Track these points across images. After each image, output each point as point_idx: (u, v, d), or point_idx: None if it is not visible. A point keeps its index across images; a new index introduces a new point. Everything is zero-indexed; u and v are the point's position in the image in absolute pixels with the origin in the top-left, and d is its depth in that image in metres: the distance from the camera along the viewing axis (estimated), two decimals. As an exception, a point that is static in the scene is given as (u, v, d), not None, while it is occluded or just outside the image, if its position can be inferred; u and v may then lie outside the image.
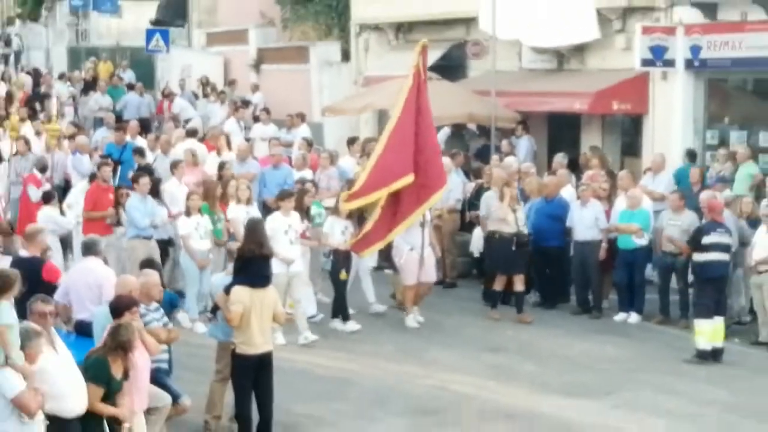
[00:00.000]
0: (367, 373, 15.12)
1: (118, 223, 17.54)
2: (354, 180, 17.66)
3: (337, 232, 16.85)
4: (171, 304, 12.97)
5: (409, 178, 16.07)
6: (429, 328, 17.30)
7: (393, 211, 16.50)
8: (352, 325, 16.56)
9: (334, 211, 17.29)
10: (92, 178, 18.61)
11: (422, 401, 13.77)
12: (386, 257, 18.28)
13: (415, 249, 17.00)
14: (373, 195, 16.40)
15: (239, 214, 16.69)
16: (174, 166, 19.20)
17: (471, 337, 16.91)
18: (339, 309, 16.79)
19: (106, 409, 9.46)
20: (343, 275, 16.79)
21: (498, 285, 17.67)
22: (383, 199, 16.27)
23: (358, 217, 17.16)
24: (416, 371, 15.13)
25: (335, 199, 17.92)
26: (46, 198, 17.90)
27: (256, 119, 27.86)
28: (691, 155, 20.48)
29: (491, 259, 18.29)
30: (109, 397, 9.39)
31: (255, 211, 17.32)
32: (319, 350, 15.73)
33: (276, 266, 14.21)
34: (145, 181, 17.27)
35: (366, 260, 17.67)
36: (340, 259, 16.85)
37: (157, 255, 16.02)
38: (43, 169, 20.40)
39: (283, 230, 15.85)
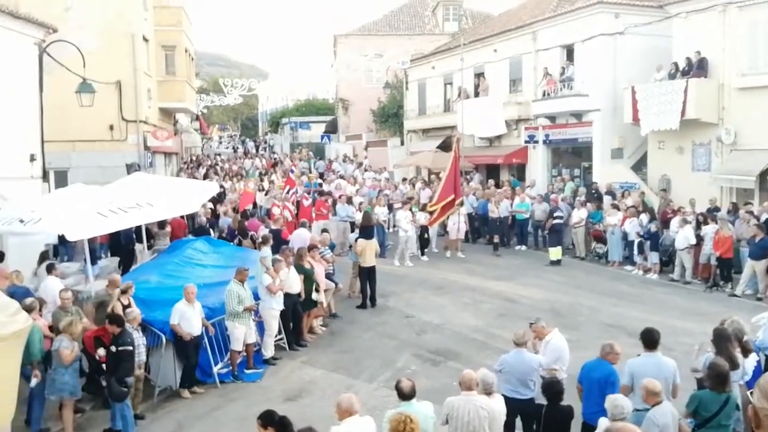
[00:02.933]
0: (414, 272, 19.28)
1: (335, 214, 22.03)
2: (432, 197, 21.93)
3: (422, 218, 21.22)
4: (332, 246, 16.62)
5: (452, 196, 20.54)
6: (441, 257, 21.42)
7: (445, 208, 20.62)
8: (425, 257, 21.16)
9: (423, 208, 21.94)
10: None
11: (437, 284, 17.85)
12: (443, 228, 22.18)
13: (455, 224, 21.34)
14: (439, 204, 20.57)
15: (379, 210, 21.68)
16: (338, 189, 25.02)
17: (461, 260, 20.94)
18: (424, 251, 21.41)
19: (321, 279, 13.72)
20: (425, 236, 21.61)
21: (495, 239, 22.00)
22: (441, 205, 20.52)
23: (430, 212, 21.01)
24: (435, 272, 19.29)
25: (401, 203, 22.94)
26: (313, 204, 22.01)
27: (366, 170, 33.62)
28: (532, 181, 25.56)
29: (489, 228, 22.90)
30: (309, 278, 13.26)
31: (384, 210, 22.49)
32: (400, 266, 19.95)
33: (401, 231, 20.45)
34: (343, 199, 22.61)
35: (433, 228, 21.85)
36: (424, 228, 21.49)
37: (344, 227, 21.46)
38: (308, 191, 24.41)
39: (404, 217, 20.47)
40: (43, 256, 13.80)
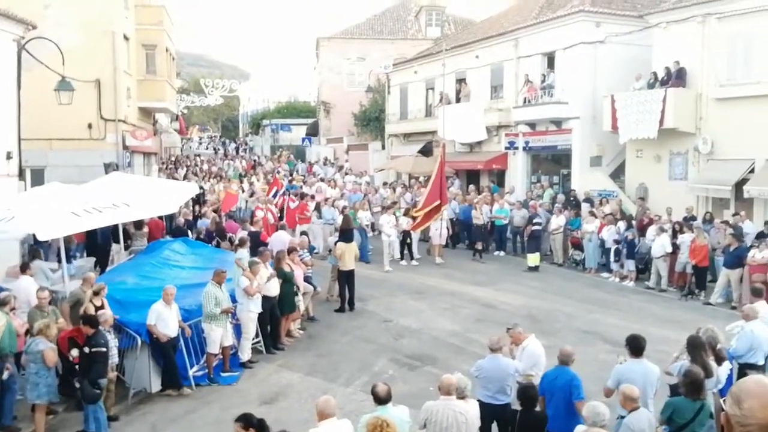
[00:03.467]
0: (393, 277, 19.38)
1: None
2: (416, 203, 21.86)
3: (405, 223, 21.05)
4: (311, 249, 17.04)
5: (437, 202, 20.37)
6: (423, 261, 21.40)
7: (430, 214, 20.51)
8: (411, 262, 21.11)
9: (406, 213, 21.68)
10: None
11: (416, 288, 17.95)
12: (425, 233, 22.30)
13: (437, 230, 21.27)
14: (423, 210, 20.46)
15: (363, 215, 21.67)
16: (318, 192, 24.84)
17: (440, 265, 20.96)
18: (403, 255, 21.32)
19: (301, 283, 13.86)
20: (407, 241, 21.39)
21: (477, 246, 21.84)
22: (425, 210, 20.42)
23: (413, 217, 20.95)
24: (414, 276, 19.40)
25: (382, 207, 22.76)
26: (297, 208, 21.70)
27: (347, 173, 34.21)
28: (511, 187, 25.73)
29: (472, 235, 22.79)
30: (289, 281, 13.32)
31: (368, 215, 22.11)
32: (378, 270, 19.99)
33: (384, 236, 20.33)
34: (329, 202, 22.74)
35: (416, 233, 21.62)
36: (407, 233, 21.30)
37: (329, 230, 21.21)
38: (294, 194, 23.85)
39: (387, 222, 20.58)
40: (34, 254, 13.59)
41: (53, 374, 9.30)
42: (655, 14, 21.94)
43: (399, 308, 16.08)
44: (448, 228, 22.18)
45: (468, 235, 23.54)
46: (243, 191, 26.32)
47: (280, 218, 20.88)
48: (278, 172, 25.93)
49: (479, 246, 22.06)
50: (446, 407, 7.14)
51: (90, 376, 9.09)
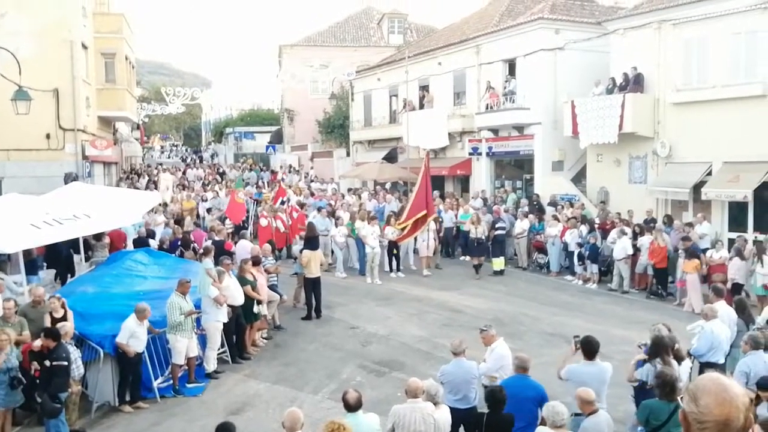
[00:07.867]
0: (360, 284, 19.34)
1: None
2: (400, 213, 20.89)
3: (390, 233, 20.29)
4: (278, 258, 17.36)
5: (423, 212, 19.52)
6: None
7: (416, 225, 19.78)
8: (397, 274, 20.39)
9: (389, 223, 20.63)
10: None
11: (383, 295, 17.97)
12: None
13: (425, 241, 20.70)
14: (409, 221, 19.72)
15: (360, 225, 20.30)
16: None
17: (405, 270, 20.78)
18: (392, 267, 20.54)
19: (252, 294, 13.15)
20: (394, 252, 20.61)
21: (475, 261, 20.50)
22: (411, 221, 19.67)
23: (402, 228, 20.02)
24: (385, 284, 19.24)
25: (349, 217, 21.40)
26: (298, 219, 21.22)
27: (311, 181, 33.91)
28: (476, 193, 25.69)
29: (469, 249, 21.70)
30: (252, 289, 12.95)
31: (365, 225, 20.21)
32: (345, 277, 20.02)
33: (368, 248, 19.60)
34: (323, 212, 21.96)
35: (403, 244, 20.85)
36: (393, 245, 20.53)
37: (329, 241, 20.70)
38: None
39: (371, 231, 19.90)
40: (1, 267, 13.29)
41: None
42: (612, 21, 22.38)
43: (366, 315, 16.07)
44: (435, 239, 21.30)
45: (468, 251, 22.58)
46: (205, 200, 26.01)
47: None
48: (282, 180, 25.26)
49: (477, 261, 20.60)
50: (414, 410, 7.16)
51: (50, 389, 8.91)
